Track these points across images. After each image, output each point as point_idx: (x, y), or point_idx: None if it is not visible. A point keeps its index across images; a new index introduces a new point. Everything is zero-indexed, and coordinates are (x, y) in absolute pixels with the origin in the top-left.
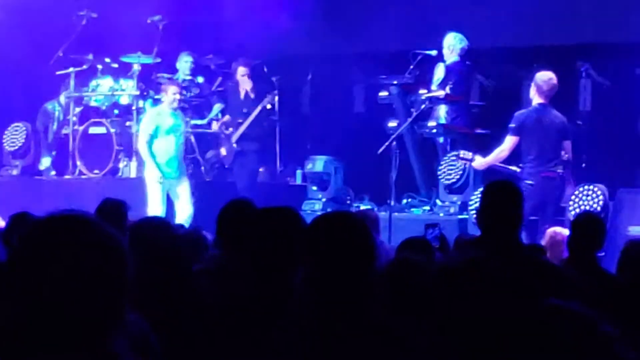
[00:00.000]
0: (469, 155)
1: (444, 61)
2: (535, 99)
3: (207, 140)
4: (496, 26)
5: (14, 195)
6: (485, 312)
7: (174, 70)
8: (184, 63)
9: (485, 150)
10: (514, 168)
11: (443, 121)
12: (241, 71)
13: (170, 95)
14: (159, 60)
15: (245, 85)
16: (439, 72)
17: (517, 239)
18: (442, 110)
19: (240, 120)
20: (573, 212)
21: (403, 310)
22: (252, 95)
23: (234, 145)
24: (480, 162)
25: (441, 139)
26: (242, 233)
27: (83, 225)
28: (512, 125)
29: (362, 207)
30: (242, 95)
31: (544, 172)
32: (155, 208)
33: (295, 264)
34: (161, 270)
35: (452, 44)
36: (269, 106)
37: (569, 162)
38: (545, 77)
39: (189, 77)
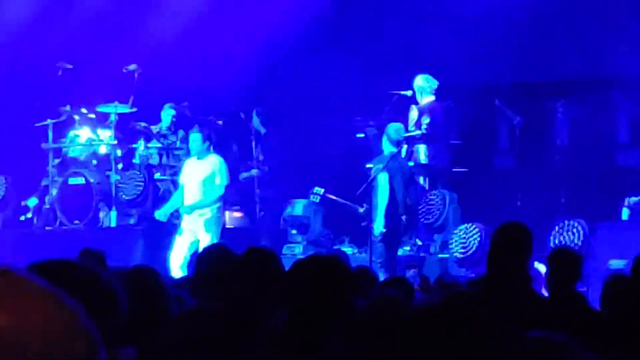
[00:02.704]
0: (321, 191)
1: (416, 103)
2: (388, 147)
3: None
4: (471, 64)
5: None
6: (464, 350)
7: (151, 119)
8: (167, 116)
9: (462, 188)
10: (361, 210)
11: (423, 161)
12: None
13: (191, 141)
14: (135, 109)
15: None
16: (413, 114)
17: (526, 277)
18: (421, 150)
19: None
20: None
21: (383, 349)
22: None
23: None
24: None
25: (420, 179)
26: (218, 276)
27: (70, 268)
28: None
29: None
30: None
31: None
32: (175, 255)
33: (273, 305)
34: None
35: (422, 86)
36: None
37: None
38: (395, 127)
39: (168, 126)
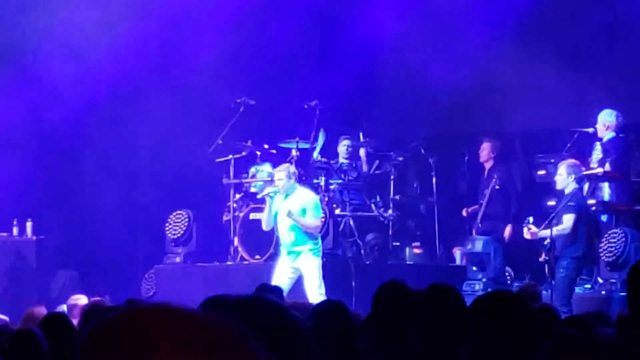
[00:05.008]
0: (533, 228)
1: (599, 139)
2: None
3: (367, 223)
4: None
5: (176, 283)
6: None
7: (332, 155)
8: (342, 147)
9: None
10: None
11: (606, 198)
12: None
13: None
14: (316, 145)
15: (488, 165)
16: (597, 150)
17: None
18: (605, 188)
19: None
20: None
21: None
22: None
23: (479, 225)
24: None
25: (603, 217)
26: (399, 312)
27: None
28: (571, 203)
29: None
30: (485, 175)
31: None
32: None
33: (456, 342)
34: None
35: (608, 120)
36: (497, 187)
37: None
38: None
39: (347, 161)
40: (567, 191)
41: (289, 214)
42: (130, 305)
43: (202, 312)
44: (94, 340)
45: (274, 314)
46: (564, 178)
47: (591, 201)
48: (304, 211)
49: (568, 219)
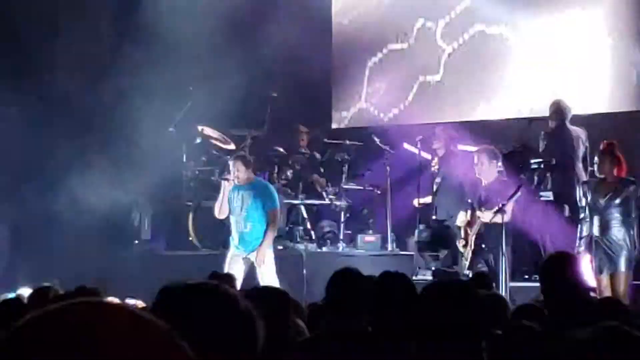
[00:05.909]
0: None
1: (548, 129)
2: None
3: (319, 212)
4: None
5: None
6: None
7: (287, 142)
8: (298, 134)
9: None
10: None
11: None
12: None
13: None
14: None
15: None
16: (543, 141)
17: None
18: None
19: None
20: None
21: None
22: None
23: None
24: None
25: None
26: (352, 299)
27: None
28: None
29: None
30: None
31: None
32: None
33: (408, 327)
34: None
35: (555, 111)
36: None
37: None
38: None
39: (302, 149)
40: (490, 178)
41: (250, 206)
42: (80, 293)
43: (140, 310)
44: (28, 332)
45: (224, 301)
46: (485, 166)
47: (545, 193)
48: (261, 202)
49: (510, 209)
